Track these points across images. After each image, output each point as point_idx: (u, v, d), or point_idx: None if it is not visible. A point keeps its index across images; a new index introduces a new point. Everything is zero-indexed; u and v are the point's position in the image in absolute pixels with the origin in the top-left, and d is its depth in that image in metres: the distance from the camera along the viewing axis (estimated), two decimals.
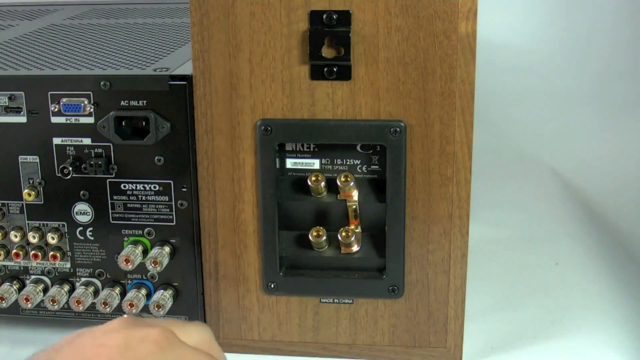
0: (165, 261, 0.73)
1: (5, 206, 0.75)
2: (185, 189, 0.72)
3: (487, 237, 0.99)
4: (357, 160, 0.71)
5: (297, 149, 0.71)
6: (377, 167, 0.71)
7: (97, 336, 0.47)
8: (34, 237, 0.74)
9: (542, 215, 1.08)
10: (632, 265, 0.93)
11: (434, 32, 0.65)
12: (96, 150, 0.72)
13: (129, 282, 0.75)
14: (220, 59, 0.68)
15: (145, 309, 0.74)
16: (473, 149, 0.68)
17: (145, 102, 0.70)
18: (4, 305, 0.75)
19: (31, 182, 0.73)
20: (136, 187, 0.73)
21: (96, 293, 0.75)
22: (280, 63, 0.67)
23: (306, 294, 0.73)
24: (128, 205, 0.73)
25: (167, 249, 0.73)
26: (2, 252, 0.75)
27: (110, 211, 0.74)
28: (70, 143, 0.72)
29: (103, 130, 0.71)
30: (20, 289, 0.76)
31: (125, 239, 0.74)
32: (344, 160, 0.71)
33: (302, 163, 0.72)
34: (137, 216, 0.73)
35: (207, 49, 0.68)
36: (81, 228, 0.74)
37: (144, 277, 0.75)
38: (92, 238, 0.75)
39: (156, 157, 0.71)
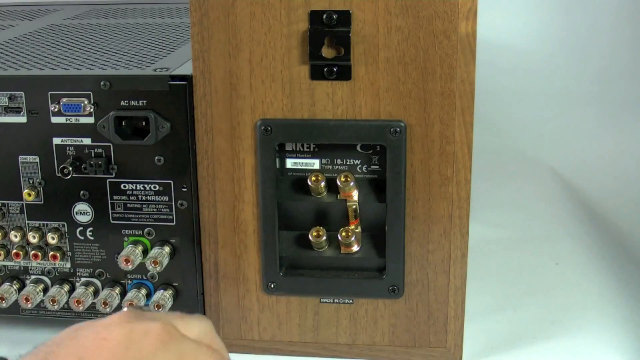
0: (165, 261, 0.73)
1: (5, 206, 0.75)
2: (185, 189, 0.72)
3: (487, 237, 0.99)
4: (357, 160, 0.71)
5: (297, 149, 0.71)
6: (377, 167, 0.71)
7: (98, 330, 0.46)
8: (34, 237, 0.74)
9: (542, 215, 1.08)
10: (632, 265, 0.93)
11: (434, 32, 0.65)
12: (96, 150, 0.72)
13: (129, 282, 0.75)
14: (220, 59, 0.68)
15: None
16: (473, 149, 0.68)
17: (145, 102, 0.70)
18: (4, 305, 0.75)
19: (31, 182, 0.73)
20: (136, 187, 0.73)
21: (96, 293, 0.75)
22: (280, 63, 0.67)
23: (306, 294, 0.73)
24: (128, 205, 0.73)
25: (167, 249, 0.73)
26: (2, 252, 0.75)
27: (110, 211, 0.74)
28: (70, 143, 0.72)
29: (103, 130, 0.71)
30: (20, 289, 0.76)
31: (125, 239, 0.74)
32: (344, 160, 0.71)
33: (302, 163, 0.72)
34: (137, 216, 0.73)
35: (207, 49, 0.68)
36: (81, 228, 0.74)
37: (144, 277, 0.75)
38: (92, 238, 0.75)
39: (156, 157, 0.71)
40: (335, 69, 0.66)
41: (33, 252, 0.75)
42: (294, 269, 0.73)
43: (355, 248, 0.72)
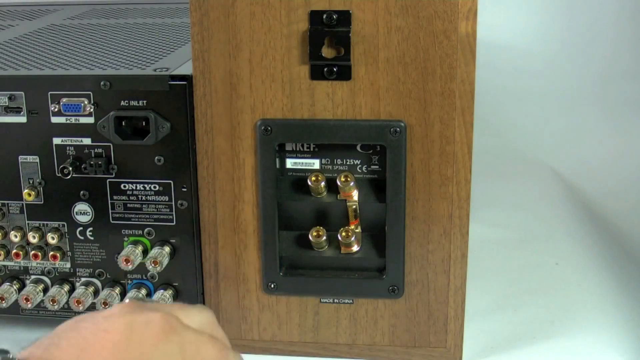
0: (165, 261, 0.73)
1: (5, 206, 0.75)
2: (185, 189, 0.72)
3: (487, 237, 0.99)
4: (357, 160, 0.71)
5: (297, 149, 0.71)
6: (377, 167, 0.71)
7: (99, 321, 0.46)
8: (34, 237, 0.74)
9: (542, 215, 1.08)
10: (632, 265, 0.93)
11: (434, 32, 0.65)
12: (96, 150, 0.72)
13: (129, 282, 0.75)
14: (220, 59, 0.68)
15: None
16: (473, 149, 0.68)
17: (145, 102, 0.70)
18: (4, 305, 0.75)
19: (31, 182, 0.73)
20: (136, 187, 0.73)
21: (96, 293, 0.75)
22: (280, 63, 0.67)
23: (306, 294, 0.73)
24: (128, 205, 0.73)
25: (167, 249, 0.73)
26: (2, 252, 0.75)
27: (110, 211, 0.74)
28: (70, 143, 0.72)
29: (103, 130, 0.71)
30: (20, 289, 0.76)
31: (125, 239, 0.74)
32: (344, 160, 0.71)
33: (302, 163, 0.72)
34: (137, 216, 0.73)
35: (207, 49, 0.68)
36: (81, 228, 0.74)
37: (144, 277, 0.75)
38: (92, 238, 0.75)
39: (156, 157, 0.71)
40: (335, 69, 0.66)
41: (33, 252, 0.75)
42: (294, 269, 0.73)
43: (355, 248, 0.72)
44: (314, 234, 0.71)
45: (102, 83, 0.70)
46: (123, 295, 0.75)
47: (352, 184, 0.70)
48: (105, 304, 0.73)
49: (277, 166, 0.71)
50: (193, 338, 0.48)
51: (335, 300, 0.73)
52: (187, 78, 0.69)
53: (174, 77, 0.70)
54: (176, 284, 0.75)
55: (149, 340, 0.46)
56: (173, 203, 0.73)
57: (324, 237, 0.71)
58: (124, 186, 0.73)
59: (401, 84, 0.67)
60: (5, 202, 0.74)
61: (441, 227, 0.70)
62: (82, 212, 0.74)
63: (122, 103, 0.70)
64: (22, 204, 0.74)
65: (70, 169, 0.72)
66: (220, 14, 0.67)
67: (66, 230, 0.75)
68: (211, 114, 0.69)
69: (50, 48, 0.85)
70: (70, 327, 0.47)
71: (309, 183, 0.71)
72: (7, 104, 0.72)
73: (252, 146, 0.70)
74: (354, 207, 0.71)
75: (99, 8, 1.16)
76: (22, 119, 0.72)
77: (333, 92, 0.68)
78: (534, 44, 1.50)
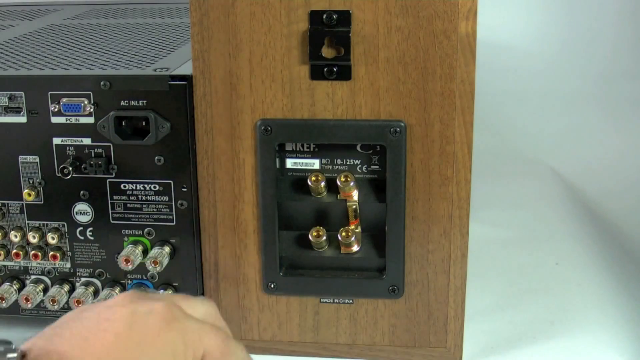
0: (165, 261, 0.73)
1: (5, 206, 0.75)
2: (185, 189, 0.72)
3: (487, 237, 0.99)
4: (357, 160, 0.71)
5: (297, 149, 0.71)
6: (377, 167, 0.71)
7: (102, 311, 0.46)
8: (34, 237, 0.74)
9: (542, 215, 1.08)
10: (632, 265, 0.93)
11: (434, 32, 0.65)
12: (96, 150, 0.72)
13: (129, 282, 0.75)
14: (220, 59, 0.68)
15: None
16: (473, 149, 0.68)
17: (145, 102, 0.70)
18: (4, 305, 0.75)
19: (31, 182, 0.73)
20: (136, 187, 0.73)
21: (96, 293, 0.75)
22: (280, 63, 0.67)
23: (306, 294, 0.73)
24: (128, 205, 0.73)
25: (167, 249, 0.73)
26: (2, 252, 0.75)
27: (110, 211, 0.74)
28: (70, 143, 0.72)
29: (103, 130, 0.71)
30: (20, 289, 0.76)
31: (125, 239, 0.74)
32: (344, 160, 0.71)
33: (302, 163, 0.72)
34: (137, 216, 0.73)
35: (207, 49, 0.68)
36: (81, 228, 0.74)
37: (144, 277, 0.75)
38: (92, 238, 0.75)
39: (156, 157, 0.71)
40: (335, 69, 0.66)
41: (33, 252, 0.75)
42: (294, 269, 0.73)
43: (355, 248, 0.72)
44: (314, 234, 0.71)
45: (102, 83, 0.70)
46: None
47: (352, 184, 0.70)
48: None
49: (277, 166, 0.71)
50: (195, 327, 0.48)
51: (335, 300, 0.73)
52: (187, 78, 0.69)
53: (174, 77, 0.70)
54: (176, 284, 0.75)
55: (151, 329, 0.46)
56: (173, 203, 0.73)
57: (324, 237, 0.71)
58: (124, 186, 0.73)
59: (401, 84, 0.67)
60: (5, 202, 0.74)
61: (441, 227, 0.70)
62: (82, 212, 0.74)
63: (122, 103, 0.70)
64: (22, 204, 0.74)
65: (70, 169, 0.72)
66: (220, 14, 0.67)
67: (66, 230, 0.75)
68: (211, 114, 0.69)
69: (50, 48, 0.85)
70: (73, 317, 0.47)
71: (309, 183, 0.71)
72: (7, 104, 0.72)
73: (252, 146, 0.70)
74: (354, 207, 0.71)
75: (99, 8, 1.16)
76: (22, 119, 0.72)
77: (333, 92, 0.68)
78: (534, 44, 1.50)
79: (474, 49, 0.66)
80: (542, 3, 1.51)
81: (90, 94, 0.70)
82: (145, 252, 0.74)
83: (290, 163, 0.72)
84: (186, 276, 0.74)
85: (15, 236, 0.75)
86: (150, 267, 0.72)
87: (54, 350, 0.43)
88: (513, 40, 1.50)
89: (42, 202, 0.74)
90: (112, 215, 0.74)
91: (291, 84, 0.68)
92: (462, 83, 0.66)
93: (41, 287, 0.76)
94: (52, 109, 0.71)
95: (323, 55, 0.66)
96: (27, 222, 0.75)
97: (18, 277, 0.76)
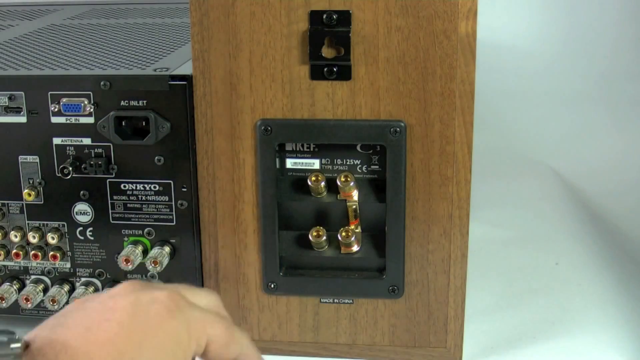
0: (165, 261, 0.73)
1: (5, 206, 0.75)
2: (185, 189, 0.72)
3: (487, 237, 0.99)
4: (357, 160, 0.71)
5: (297, 149, 0.71)
6: (377, 167, 0.71)
7: (104, 300, 0.46)
8: (34, 237, 0.74)
9: (543, 215, 1.08)
10: (632, 265, 0.93)
11: (434, 32, 0.65)
12: (96, 150, 0.72)
13: None
14: (220, 59, 0.68)
15: None
16: (473, 149, 0.68)
17: (145, 102, 0.70)
18: (4, 305, 0.75)
19: (31, 182, 0.73)
20: (136, 187, 0.73)
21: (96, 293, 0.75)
22: (280, 63, 0.67)
23: (306, 294, 0.73)
24: (128, 205, 0.73)
25: (167, 249, 0.73)
26: (2, 252, 0.75)
27: (110, 211, 0.74)
28: (70, 143, 0.72)
29: (103, 130, 0.71)
30: (20, 289, 0.76)
31: (125, 239, 0.74)
32: (344, 160, 0.71)
33: (302, 163, 0.72)
34: (137, 216, 0.74)
35: (207, 49, 0.68)
36: (81, 228, 0.74)
37: (144, 277, 0.75)
38: (92, 238, 0.75)
39: (156, 157, 0.71)
40: (335, 69, 0.66)
41: (33, 252, 0.75)
42: (294, 269, 0.73)
43: (355, 248, 0.72)
44: (314, 234, 0.71)
45: (102, 83, 0.70)
46: None
47: (352, 184, 0.70)
48: None
49: (277, 166, 0.71)
50: (199, 316, 0.48)
51: (335, 300, 0.73)
52: (187, 78, 0.69)
53: (174, 77, 0.70)
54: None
55: (155, 319, 0.46)
56: (173, 203, 0.73)
57: (324, 237, 0.71)
58: (124, 186, 0.73)
59: (401, 84, 0.67)
60: (5, 202, 0.74)
61: (441, 227, 0.70)
62: (82, 212, 0.74)
63: (122, 103, 0.70)
64: (22, 204, 0.74)
65: (70, 169, 0.72)
66: (220, 14, 0.67)
67: (66, 230, 0.75)
68: (211, 114, 0.69)
69: (50, 48, 0.85)
70: (76, 307, 0.47)
71: (309, 183, 0.71)
72: (7, 104, 0.72)
73: (252, 146, 0.70)
74: (354, 207, 0.71)
75: (99, 8, 1.16)
76: (22, 119, 0.72)
77: (333, 92, 0.68)
78: (535, 44, 1.50)
79: (474, 49, 0.66)
80: (542, 3, 1.51)
81: (90, 94, 0.70)
82: (145, 252, 0.74)
83: (290, 163, 0.72)
84: (186, 276, 0.74)
85: (15, 236, 0.75)
86: (150, 267, 0.72)
87: (57, 340, 0.43)
88: (513, 40, 1.50)
89: (42, 202, 0.74)
90: (112, 215, 0.74)
91: (291, 84, 0.68)
92: (462, 83, 0.66)
93: (41, 287, 0.76)
94: (52, 109, 0.71)
95: (323, 55, 0.66)
96: (27, 222, 0.75)
97: (18, 277, 0.77)
